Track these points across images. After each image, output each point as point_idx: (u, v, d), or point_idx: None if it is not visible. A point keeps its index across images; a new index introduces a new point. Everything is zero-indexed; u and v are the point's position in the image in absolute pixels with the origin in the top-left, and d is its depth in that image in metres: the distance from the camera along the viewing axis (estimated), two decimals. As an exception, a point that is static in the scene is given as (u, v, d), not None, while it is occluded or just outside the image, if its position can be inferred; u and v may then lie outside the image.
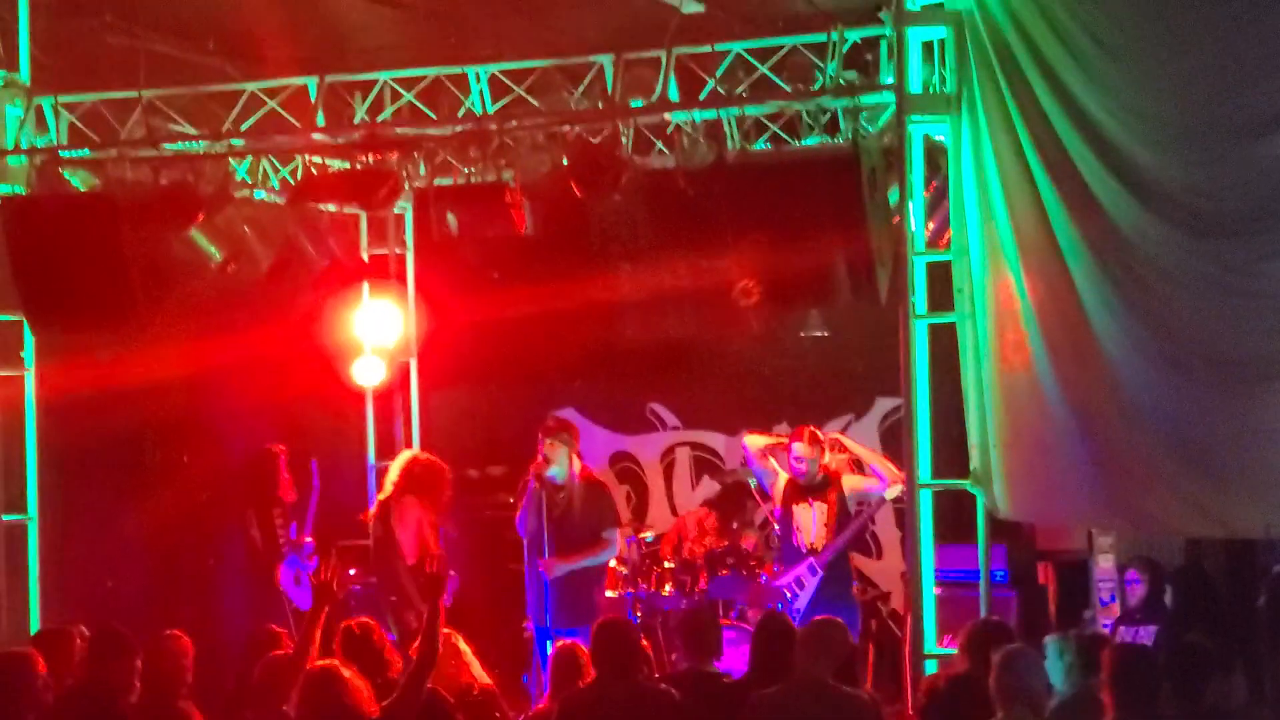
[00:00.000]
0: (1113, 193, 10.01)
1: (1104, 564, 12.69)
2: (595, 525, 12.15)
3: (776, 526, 12.93)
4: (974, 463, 10.79)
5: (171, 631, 9.64)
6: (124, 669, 9.27)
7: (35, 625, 12.28)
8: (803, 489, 12.53)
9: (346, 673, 8.05)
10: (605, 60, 11.76)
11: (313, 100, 12.24)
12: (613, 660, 9.10)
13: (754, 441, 12.94)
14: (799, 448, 12.54)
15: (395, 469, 12.72)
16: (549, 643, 11.67)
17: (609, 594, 12.85)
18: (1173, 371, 9.98)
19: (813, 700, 8.72)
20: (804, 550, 12.37)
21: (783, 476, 12.67)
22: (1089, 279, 10.13)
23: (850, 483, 12.58)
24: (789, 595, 12.34)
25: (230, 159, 12.46)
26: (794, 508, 12.52)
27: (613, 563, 13.04)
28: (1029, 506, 10.91)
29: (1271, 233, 9.70)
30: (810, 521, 12.38)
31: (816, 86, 11.27)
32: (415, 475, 12.67)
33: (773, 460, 12.77)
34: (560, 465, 12.01)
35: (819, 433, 12.70)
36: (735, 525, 13.75)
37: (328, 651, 8.92)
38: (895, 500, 12.38)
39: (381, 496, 12.78)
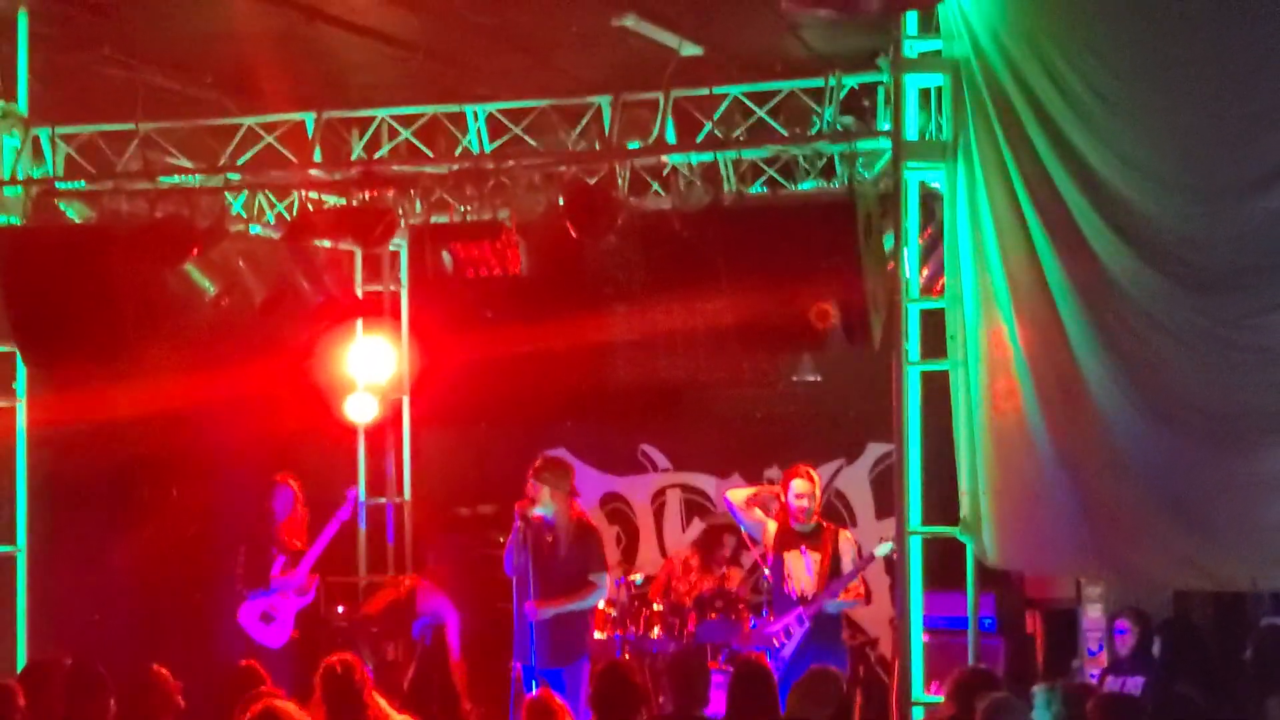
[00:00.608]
0: (1108, 243, 10.03)
1: (1092, 613, 12.68)
2: (582, 568, 12.08)
3: (767, 572, 12.85)
4: (964, 510, 10.78)
5: (156, 666, 9.61)
6: (98, 708, 9.21)
7: (21, 657, 12.24)
8: (796, 535, 12.34)
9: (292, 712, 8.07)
10: (603, 101, 11.79)
11: (310, 136, 12.27)
12: (614, 705, 9.03)
13: (736, 495, 12.84)
14: (797, 484, 12.35)
15: None
16: (534, 683, 11.64)
17: (597, 635, 12.80)
18: (1161, 423, 9.99)
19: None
20: (794, 598, 12.25)
21: (771, 525, 12.53)
22: (1081, 329, 10.14)
23: (845, 540, 12.40)
24: (776, 643, 12.27)
25: (226, 193, 12.46)
26: (785, 555, 12.34)
27: (601, 604, 13.00)
28: (1018, 555, 10.90)
29: (1264, 287, 9.72)
30: (802, 569, 12.24)
31: (813, 131, 11.30)
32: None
33: (758, 511, 12.66)
34: (548, 505, 11.95)
35: (814, 472, 12.56)
36: (719, 564, 13.72)
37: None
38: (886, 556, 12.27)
39: None
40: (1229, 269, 9.80)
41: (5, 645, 12.39)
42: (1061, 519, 10.28)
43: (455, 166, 12.15)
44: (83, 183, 12.55)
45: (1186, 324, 9.88)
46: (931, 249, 11.13)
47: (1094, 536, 10.23)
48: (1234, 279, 9.80)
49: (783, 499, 12.50)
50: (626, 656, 12.92)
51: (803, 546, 12.28)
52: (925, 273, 11.13)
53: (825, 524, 12.38)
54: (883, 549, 12.13)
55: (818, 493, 12.41)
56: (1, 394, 12.55)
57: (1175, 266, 9.88)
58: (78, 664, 9.81)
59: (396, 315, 14.26)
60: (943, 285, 10.99)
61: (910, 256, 10.99)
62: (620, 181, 11.68)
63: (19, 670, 11.18)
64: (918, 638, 10.96)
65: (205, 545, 13.77)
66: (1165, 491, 10.01)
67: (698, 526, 15.14)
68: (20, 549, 12.58)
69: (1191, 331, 9.88)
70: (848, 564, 12.25)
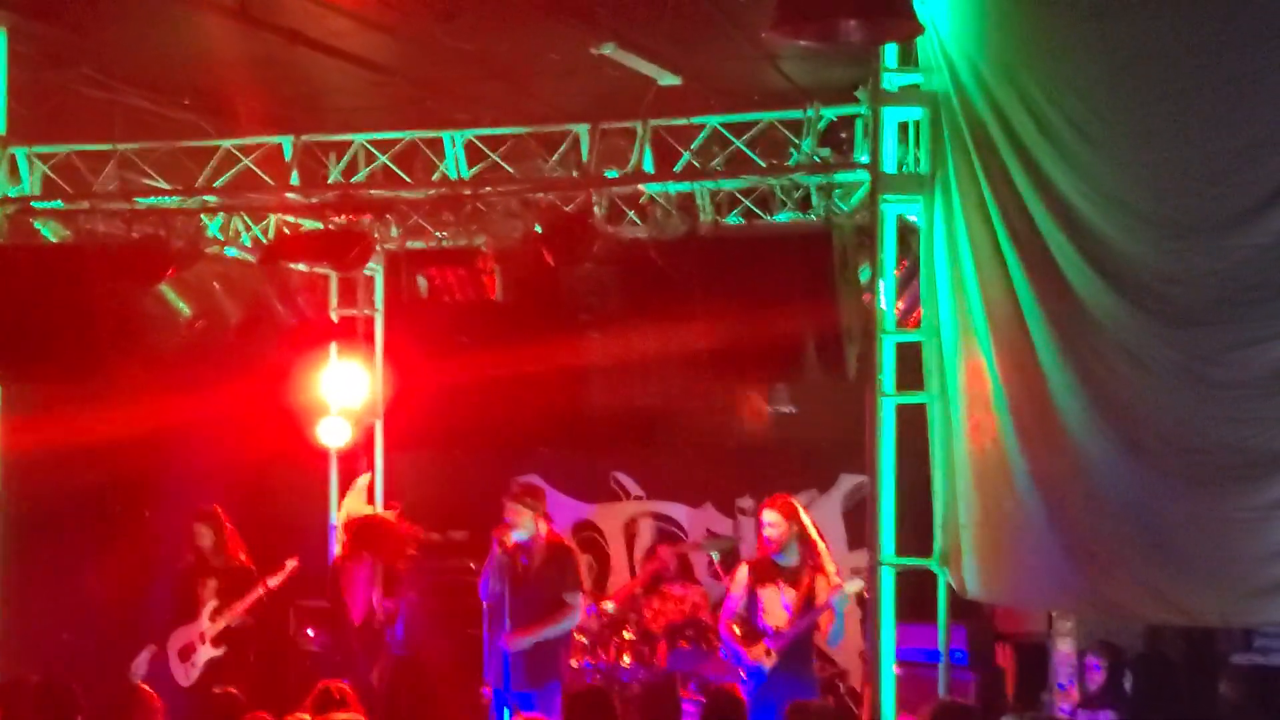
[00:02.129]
0: (1085, 277, 10.06)
1: (1063, 647, 12.69)
2: (556, 589, 12.04)
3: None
4: (941, 543, 10.78)
5: (140, 684, 9.60)
6: None
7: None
8: (773, 569, 12.08)
9: None
10: (581, 129, 11.81)
11: (287, 159, 12.28)
12: None
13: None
14: (766, 514, 12.12)
15: (340, 530, 12.84)
16: (506, 709, 11.61)
17: (571, 663, 12.77)
18: (1135, 457, 10.01)
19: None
20: (769, 631, 12.12)
21: (743, 569, 12.40)
22: (1057, 362, 10.17)
23: (823, 584, 12.17)
24: (744, 674, 12.19)
25: (203, 215, 12.47)
26: (760, 590, 12.19)
27: (574, 632, 12.98)
28: (997, 588, 10.90)
29: (1239, 322, 9.75)
30: (776, 605, 12.11)
31: (791, 162, 11.34)
32: (359, 534, 12.73)
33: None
34: (525, 529, 11.94)
35: (794, 501, 12.40)
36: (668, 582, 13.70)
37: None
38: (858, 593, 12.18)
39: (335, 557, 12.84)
40: (1205, 304, 9.83)
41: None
42: (1039, 552, 10.30)
43: (433, 192, 12.17)
44: (59, 202, 12.53)
45: (1162, 359, 9.92)
46: (907, 281, 11.16)
47: (1070, 570, 10.24)
48: (1209, 314, 9.83)
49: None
50: (598, 684, 12.88)
51: (780, 581, 12.10)
52: (901, 305, 11.15)
53: (811, 563, 12.08)
54: (852, 585, 12.02)
55: (786, 524, 12.16)
56: (-24, 413, 12.52)
57: (1151, 301, 9.91)
58: (49, 682, 9.80)
59: (371, 339, 14.26)
60: (918, 318, 11.01)
61: (886, 289, 11.02)
62: (597, 209, 11.72)
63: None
64: (889, 669, 10.95)
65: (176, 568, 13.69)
66: (1137, 525, 10.03)
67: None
68: (-7, 569, 12.55)
69: (1166, 366, 9.91)
70: (820, 600, 12.08)
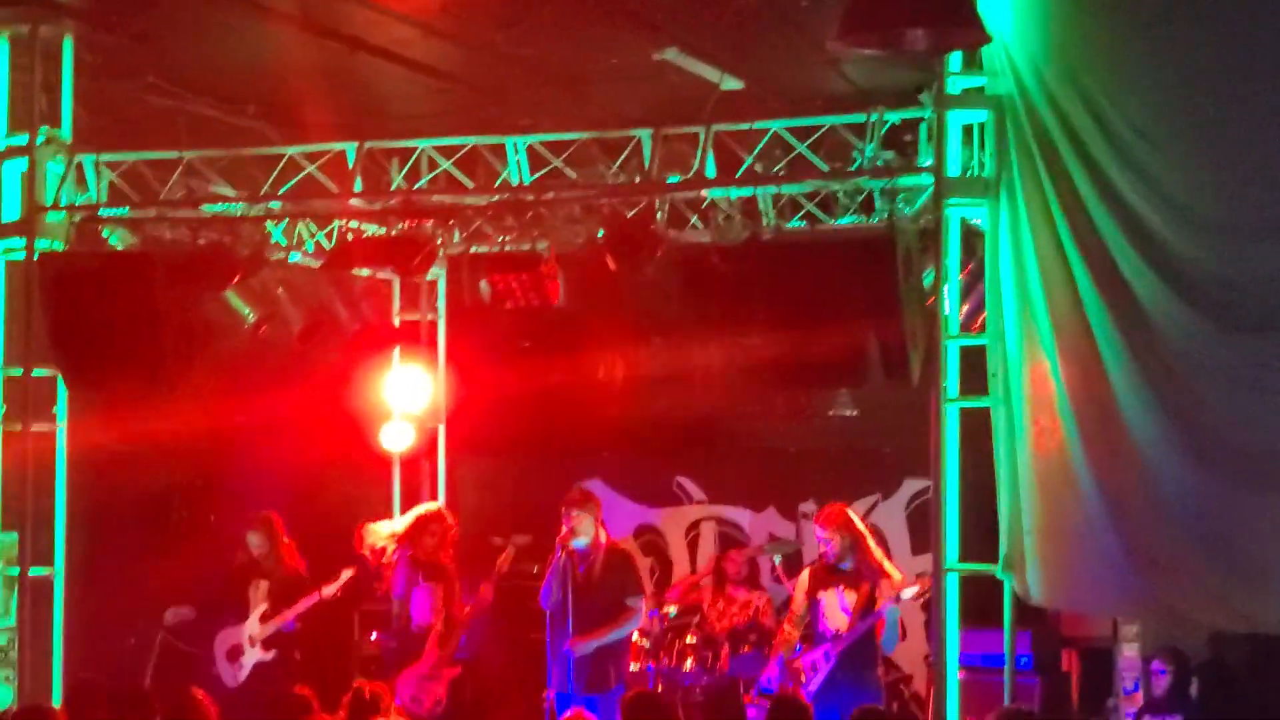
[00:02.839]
0: (1146, 281, 10.03)
1: (1128, 653, 12.63)
2: (618, 593, 12.05)
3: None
4: (1005, 548, 10.74)
5: (194, 689, 9.65)
6: None
7: (58, 679, 12.28)
8: (832, 573, 12.14)
9: None
10: (643, 134, 11.80)
11: (351, 166, 12.32)
12: None
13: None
14: (819, 530, 12.23)
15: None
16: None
17: (631, 667, 12.78)
18: (1198, 464, 9.97)
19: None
20: (829, 635, 12.13)
21: (804, 574, 12.42)
22: (1121, 367, 10.13)
23: (886, 585, 12.16)
24: (804, 678, 12.20)
25: (267, 221, 12.53)
26: (820, 594, 12.21)
27: (635, 635, 13.00)
28: (1061, 594, 10.86)
29: None
30: (836, 608, 12.12)
31: (854, 166, 11.30)
32: (405, 534, 12.79)
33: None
34: (586, 535, 11.97)
35: (847, 512, 12.43)
36: (734, 585, 13.66)
37: None
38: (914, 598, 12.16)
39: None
40: (1264, 310, 9.80)
41: (42, 667, 12.42)
42: (1103, 558, 10.26)
43: (495, 197, 12.19)
44: (126, 209, 12.61)
45: (1221, 364, 9.88)
46: (972, 286, 11.13)
47: (1134, 576, 10.21)
48: (1268, 320, 9.80)
49: None
50: (659, 688, 12.88)
51: (839, 585, 12.12)
52: (965, 309, 11.13)
53: (872, 562, 12.08)
54: (908, 592, 12.01)
55: (839, 535, 12.11)
56: (42, 417, 12.60)
57: (1211, 306, 9.88)
58: (122, 685, 9.88)
59: (433, 344, 14.28)
60: (982, 322, 10.98)
61: (951, 293, 10.99)
62: (659, 215, 11.71)
63: (57, 691, 11.25)
64: (953, 675, 10.93)
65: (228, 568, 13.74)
66: (1201, 532, 9.99)
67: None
68: (58, 571, 12.63)
69: (1226, 372, 9.87)
70: (881, 605, 12.07)
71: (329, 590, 12.72)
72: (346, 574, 12.75)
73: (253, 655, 12.69)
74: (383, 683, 10.38)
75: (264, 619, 12.74)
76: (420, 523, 12.72)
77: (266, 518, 12.92)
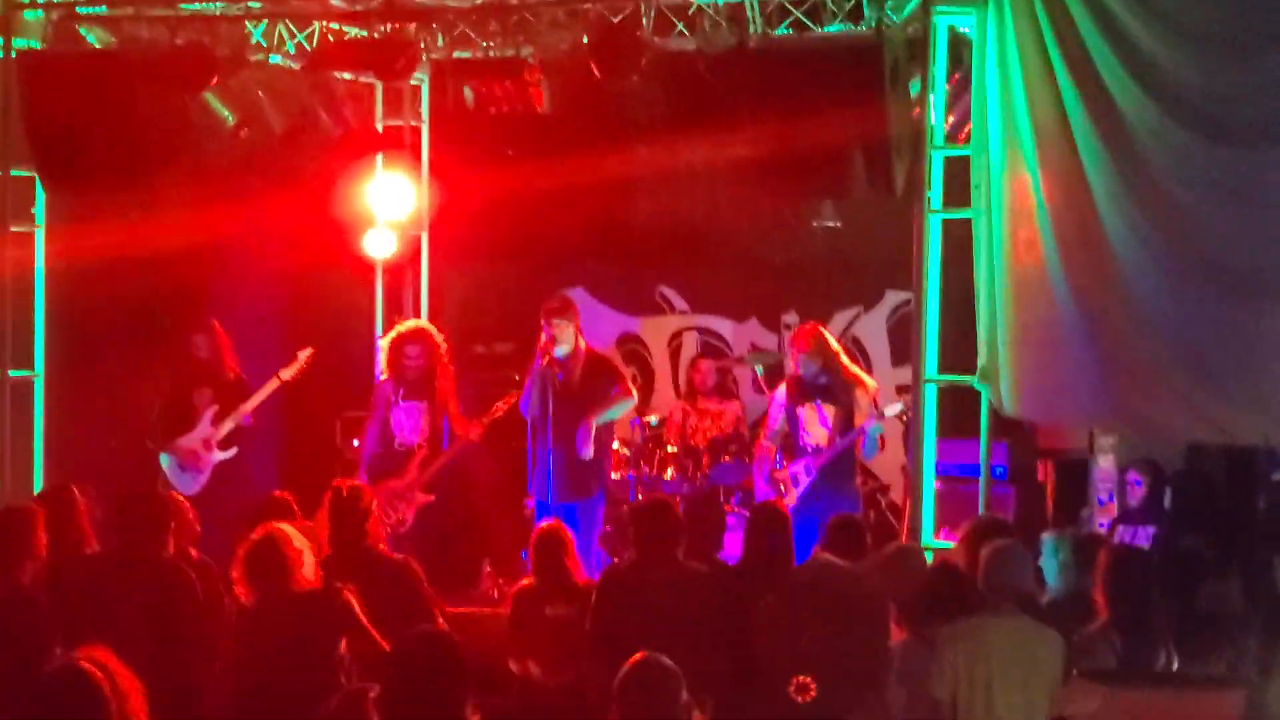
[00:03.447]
0: (1129, 93, 9.98)
1: (1104, 464, 12.69)
2: (599, 395, 12.06)
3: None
4: (982, 360, 10.79)
5: (174, 493, 9.70)
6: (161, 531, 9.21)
7: (39, 482, 12.34)
8: (808, 388, 12.14)
9: (295, 540, 8.18)
10: (630, -62, 11.63)
11: (332, -35, 12.14)
12: (658, 540, 9.05)
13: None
14: (792, 352, 12.25)
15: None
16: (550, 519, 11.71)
17: (613, 475, 12.86)
18: (1180, 277, 9.99)
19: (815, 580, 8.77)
20: (809, 449, 12.17)
21: (781, 388, 12.42)
22: (1103, 179, 10.11)
23: (863, 394, 12.18)
24: (783, 489, 12.26)
25: (247, 21, 12.36)
26: (798, 409, 12.23)
27: (616, 444, 13.06)
28: (1034, 406, 10.93)
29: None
30: (815, 422, 12.14)
31: (843, -28, 11.17)
32: (385, 356, 12.67)
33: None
34: (567, 344, 11.97)
35: (821, 329, 12.37)
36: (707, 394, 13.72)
37: None
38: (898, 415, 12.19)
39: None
40: (1248, 123, 9.78)
41: (23, 468, 12.49)
42: (1078, 370, 10.31)
43: (479, 1, 12.03)
44: (103, 8, 12.43)
45: (1204, 177, 9.87)
46: (958, 96, 11.05)
47: (1110, 388, 10.27)
48: (1252, 134, 9.77)
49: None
50: (640, 497, 12.97)
51: (817, 400, 12.13)
52: (951, 120, 11.05)
53: (846, 376, 12.15)
54: (892, 409, 12.05)
55: (809, 359, 12.05)
56: (21, 219, 12.55)
57: (1195, 119, 9.84)
58: (96, 488, 9.91)
59: (417, 150, 14.16)
60: (967, 133, 10.92)
61: (936, 103, 10.91)
62: (645, 21, 11.55)
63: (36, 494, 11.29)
64: (929, 485, 11.03)
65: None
66: (1180, 345, 10.03)
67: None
68: (38, 374, 12.66)
69: (1208, 185, 9.86)
70: (860, 418, 12.10)
71: (287, 373, 12.65)
72: (304, 354, 12.63)
73: (211, 457, 12.63)
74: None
75: (216, 420, 12.66)
76: (397, 342, 12.62)
77: (209, 323, 12.83)
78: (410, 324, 12.94)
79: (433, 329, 12.76)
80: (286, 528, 8.43)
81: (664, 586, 8.90)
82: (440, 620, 9.05)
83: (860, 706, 8.45)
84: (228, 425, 12.60)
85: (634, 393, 12.37)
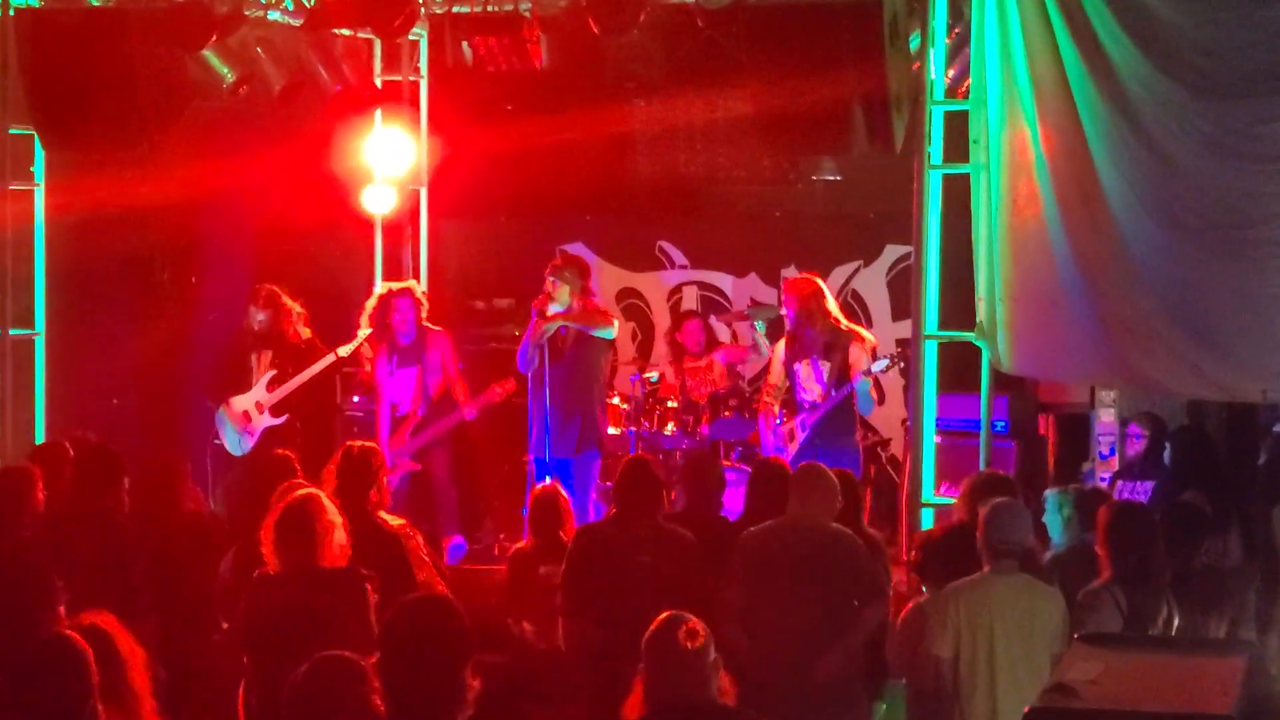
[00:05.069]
0: (1122, 46, 9.94)
1: (1105, 418, 12.72)
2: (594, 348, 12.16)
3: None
4: (980, 315, 10.80)
5: (173, 454, 9.70)
6: (113, 489, 9.29)
7: (40, 439, 12.36)
8: (805, 345, 12.08)
9: (329, 512, 8.06)
10: (630, -106, 11.56)
11: (331, -79, 12.06)
12: (639, 497, 9.11)
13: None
14: (786, 298, 12.22)
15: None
16: (547, 476, 11.74)
17: (611, 430, 12.87)
18: (1174, 233, 9.97)
19: (804, 535, 8.77)
20: (806, 405, 12.16)
21: (780, 345, 12.39)
22: (1100, 134, 10.09)
23: (859, 348, 12.15)
24: (784, 445, 12.26)
25: (245, -22, 12.31)
26: (796, 364, 12.20)
27: (615, 399, 13.09)
28: (1031, 362, 10.95)
29: (1273, 96, 9.63)
30: (811, 378, 12.12)
31: (842, -75, 11.10)
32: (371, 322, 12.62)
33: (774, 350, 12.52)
34: (562, 301, 11.99)
35: (817, 280, 12.26)
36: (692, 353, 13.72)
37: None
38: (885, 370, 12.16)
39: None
40: (1240, 77, 9.72)
41: (24, 427, 12.50)
42: (1076, 326, 10.31)
43: (477, -44, 11.99)
44: (100, -36, 12.38)
45: (1194, 131, 9.82)
46: (958, 50, 11.02)
47: (1108, 345, 10.27)
48: (1242, 87, 9.72)
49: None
50: (640, 452, 12.97)
51: (814, 355, 12.09)
52: (951, 74, 11.02)
53: (842, 329, 12.10)
54: (878, 365, 12.01)
55: (806, 312, 12.02)
56: (20, 176, 12.53)
57: (1185, 72, 9.79)
58: (93, 444, 9.93)
59: (415, 106, 14.12)
60: (967, 87, 10.89)
61: (936, 58, 10.88)
62: (643, -25, 11.51)
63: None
64: (930, 439, 11.04)
65: (222, 332, 13.75)
66: (1176, 301, 10.02)
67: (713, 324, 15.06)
68: (39, 332, 12.66)
69: (1201, 139, 9.81)
70: (855, 373, 12.05)
71: (345, 350, 12.61)
72: (364, 333, 12.59)
73: (261, 421, 12.57)
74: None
75: (272, 386, 12.60)
76: (380, 306, 12.58)
77: (270, 292, 12.71)
78: (388, 285, 12.90)
79: (416, 287, 12.76)
80: (323, 498, 8.26)
81: (638, 544, 8.96)
82: (440, 583, 9.05)
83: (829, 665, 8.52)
84: (283, 391, 12.53)
85: (614, 324, 12.38)
